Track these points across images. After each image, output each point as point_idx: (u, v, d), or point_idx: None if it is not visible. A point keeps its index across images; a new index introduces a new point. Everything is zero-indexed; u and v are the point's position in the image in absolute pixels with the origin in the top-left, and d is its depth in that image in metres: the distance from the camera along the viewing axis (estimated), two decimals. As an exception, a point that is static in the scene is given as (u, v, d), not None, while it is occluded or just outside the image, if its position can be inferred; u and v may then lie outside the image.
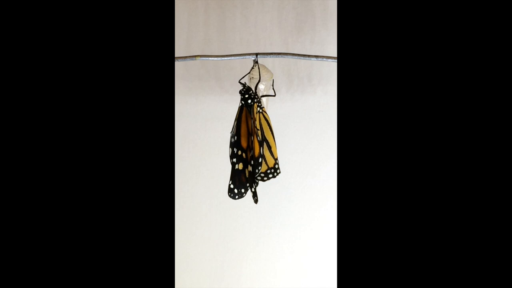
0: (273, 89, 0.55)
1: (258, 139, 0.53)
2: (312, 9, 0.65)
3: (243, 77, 0.55)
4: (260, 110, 0.54)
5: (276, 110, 0.65)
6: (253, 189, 0.55)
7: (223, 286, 0.75)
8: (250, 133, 0.54)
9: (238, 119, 0.54)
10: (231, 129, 0.54)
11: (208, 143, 0.71)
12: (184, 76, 0.68)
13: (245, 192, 0.55)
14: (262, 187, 0.56)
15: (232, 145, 0.54)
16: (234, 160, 0.54)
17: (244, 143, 0.54)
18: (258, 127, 0.54)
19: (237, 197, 0.55)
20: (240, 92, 0.54)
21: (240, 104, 0.54)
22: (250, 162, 0.54)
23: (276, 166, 0.56)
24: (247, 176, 0.55)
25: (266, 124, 0.54)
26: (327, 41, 0.65)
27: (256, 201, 0.55)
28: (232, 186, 0.55)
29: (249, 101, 0.53)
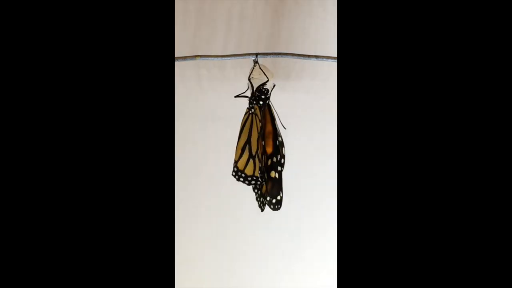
0: (270, 92, 0.55)
1: (280, 139, 0.53)
2: (312, 9, 0.65)
3: (250, 78, 0.54)
4: (253, 112, 0.54)
5: (276, 110, 0.65)
6: (279, 197, 0.54)
7: (223, 286, 0.75)
8: (266, 137, 0.54)
9: (263, 119, 0.54)
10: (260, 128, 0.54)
11: (208, 143, 0.71)
12: (184, 76, 0.68)
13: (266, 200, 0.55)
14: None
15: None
16: (279, 168, 0.54)
17: (268, 149, 0.54)
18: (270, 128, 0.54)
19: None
20: (258, 93, 0.53)
21: (251, 111, 0.54)
22: (277, 166, 0.53)
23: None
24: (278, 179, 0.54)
25: (269, 117, 0.54)
26: (327, 41, 0.65)
27: (261, 208, 0.55)
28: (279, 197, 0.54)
29: (261, 102, 0.53)
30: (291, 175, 0.69)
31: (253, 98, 0.53)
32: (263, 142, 0.53)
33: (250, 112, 0.53)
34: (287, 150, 0.68)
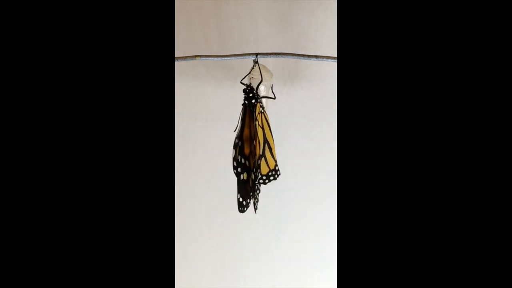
0: (272, 92, 0.55)
1: (259, 140, 0.53)
2: (312, 8, 0.65)
3: (244, 78, 0.55)
4: (262, 111, 0.54)
5: (275, 110, 0.65)
6: (254, 198, 0.54)
7: (223, 287, 0.75)
8: (253, 138, 0.54)
9: (242, 120, 0.54)
10: (235, 128, 0.54)
11: (208, 143, 0.71)
12: (184, 76, 0.68)
13: (250, 201, 0.55)
14: (262, 187, 0.56)
15: (235, 146, 0.54)
16: (239, 169, 0.54)
17: (246, 150, 0.54)
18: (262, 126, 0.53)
19: (246, 209, 0.54)
20: (244, 91, 0.53)
21: (244, 104, 0.54)
22: (253, 170, 0.54)
23: (277, 168, 0.55)
24: (251, 185, 0.54)
25: (267, 125, 0.54)
26: (327, 41, 0.65)
27: (255, 209, 0.55)
28: (241, 199, 0.54)
29: (253, 100, 0.53)
30: (291, 175, 0.70)
31: (245, 98, 0.53)
32: (253, 142, 0.53)
33: (260, 111, 0.53)
34: (286, 150, 0.68)
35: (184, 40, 0.67)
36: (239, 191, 0.54)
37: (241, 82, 0.54)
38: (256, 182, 0.54)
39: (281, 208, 0.72)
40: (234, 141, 0.54)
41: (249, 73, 0.54)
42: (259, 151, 0.53)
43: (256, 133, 0.53)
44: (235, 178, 0.54)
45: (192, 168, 0.72)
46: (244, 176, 0.54)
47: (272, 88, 0.55)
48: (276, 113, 0.63)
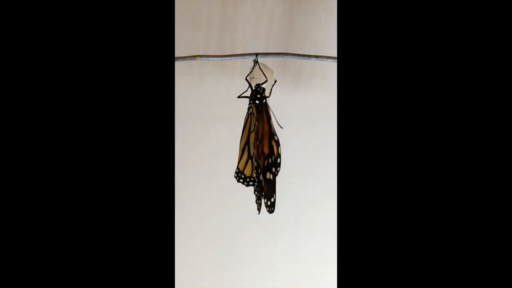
0: (270, 90, 0.55)
1: (276, 138, 0.52)
2: (312, 9, 0.65)
3: (248, 75, 0.54)
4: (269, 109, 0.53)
5: (275, 110, 0.65)
6: (272, 199, 0.54)
7: (223, 286, 0.75)
8: (259, 139, 0.53)
9: (257, 120, 0.53)
10: (252, 129, 0.53)
11: (208, 143, 0.71)
12: (184, 76, 0.68)
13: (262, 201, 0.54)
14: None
15: (255, 146, 0.53)
16: (273, 169, 0.52)
17: (266, 150, 0.53)
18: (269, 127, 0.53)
19: (273, 209, 0.54)
20: (256, 91, 0.52)
21: (254, 104, 0.53)
22: (271, 168, 0.53)
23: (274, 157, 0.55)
24: (263, 184, 0.53)
25: (266, 121, 0.54)
26: (327, 41, 0.65)
27: (259, 210, 0.55)
28: (273, 199, 0.53)
29: (264, 100, 0.53)
30: (291, 175, 0.69)
31: (251, 97, 0.53)
32: (257, 142, 0.53)
33: (249, 112, 0.53)
34: (286, 150, 0.68)
35: (184, 40, 0.67)
36: (272, 192, 0.53)
37: (246, 79, 0.53)
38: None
39: (281, 208, 0.71)
40: (254, 143, 0.53)
41: (250, 72, 0.54)
42: (277, 150, 0.52)
43: (267, 132, 0.53)
44: (236, 180, 0.54)
45: (192, 168, 0.72)
46: (268, 175, 0.53)
47: (275, 83, 0.55)
48: (276, 113, 0.63)
